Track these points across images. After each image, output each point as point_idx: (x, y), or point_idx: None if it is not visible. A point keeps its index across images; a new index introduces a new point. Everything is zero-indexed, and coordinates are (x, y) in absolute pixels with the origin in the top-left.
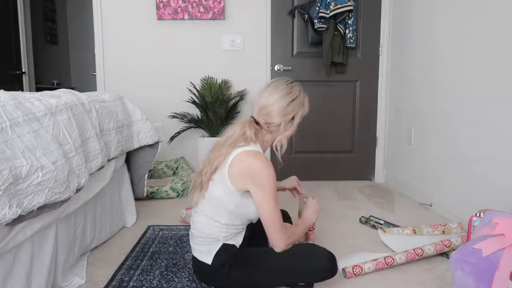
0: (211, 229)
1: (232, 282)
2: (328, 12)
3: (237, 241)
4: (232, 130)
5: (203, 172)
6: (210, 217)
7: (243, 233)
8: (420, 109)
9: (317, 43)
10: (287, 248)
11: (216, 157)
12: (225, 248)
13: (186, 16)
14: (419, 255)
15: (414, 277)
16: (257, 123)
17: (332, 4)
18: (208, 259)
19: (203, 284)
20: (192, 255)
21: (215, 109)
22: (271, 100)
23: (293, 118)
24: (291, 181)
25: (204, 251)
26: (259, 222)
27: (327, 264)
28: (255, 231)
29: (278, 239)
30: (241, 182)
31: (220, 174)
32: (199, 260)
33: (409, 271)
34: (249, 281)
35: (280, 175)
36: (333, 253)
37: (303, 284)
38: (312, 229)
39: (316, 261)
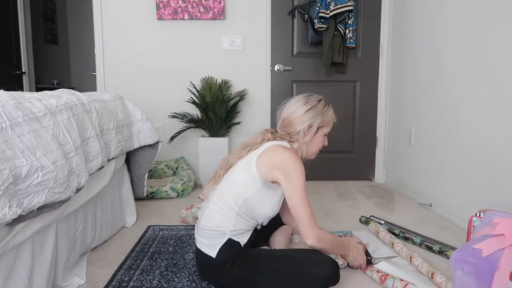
0: (221, 221)
1: (232, 280)
2: (328, 12)
3: (243, 239)
4: (253, 137)
5: (218, 169)
6: (222, 205)
7: (250, 234)
8: (420, 109)
9: (317, 43)
10: (318, 246)
11: (233, 157)
12: (230, 244)
13: (186, 16)
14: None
15: None
16: (275, 133)
17: (332, 4)
18: (212, 252)
19: (203, 284)
20: (196, 247)
21: (215, 109)
22: (290, 111)
23: (311, 126)
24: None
25: (209, 244)
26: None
27: (330, 272)
28: (258, 232)
29: (309, 229)
30: (270, 171)
31: (246, 161)
32: (203, 253)
33: None
34: (249, 281)
35: None
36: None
37: None
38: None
39: (319, 268)
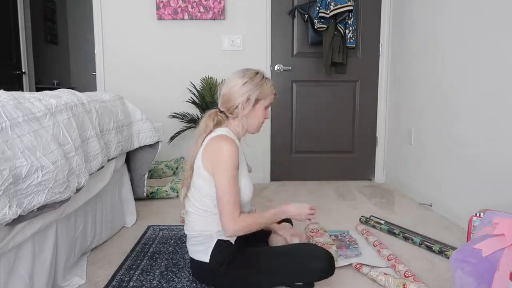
0: (204, 225)
1: (230, 281)
2: (328, 12)
3: (232, 237)
4: (199, 126)
5: (186, 171)
6: (199, 210)
7: None
8: (420, 109)
9: (317, 43)
10: (241, 233)
11: (193, 155)
12: (221, 245)
13: (186, 16)
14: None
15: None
16: (222, 112)
17: (332, 4)
18: (205, 257)
19: (203, 284)
20: (190, 257)
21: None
22: (228, 86)
23: (249, 99)
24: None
25: (200, 251)
26: None
27: (325, 264)
28: (257, 233)
29: (229, 222)
30: (210, 166)
31: (197, 164)
32: (197, 261)
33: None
34: (247, 281)
35: (280, 175)
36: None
37: (301, 284)
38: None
39: (315, 261)
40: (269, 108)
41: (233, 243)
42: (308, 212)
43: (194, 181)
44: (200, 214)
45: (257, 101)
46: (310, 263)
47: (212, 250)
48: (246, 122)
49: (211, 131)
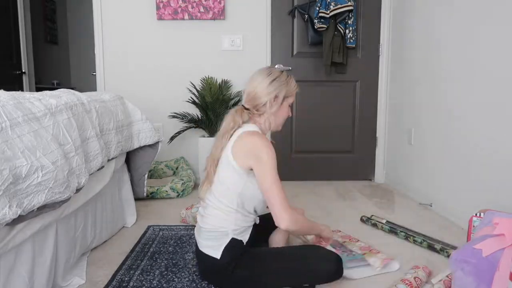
0: (222, 221)
1: (236, 281)
2: (328, 12)
3: (244, 237)
4: (225, 123)
5: (208, 167)
6: (220, 205)
7: (250, 230)
8: (420, 109)
9: (317, 43)
10: (293, 228)
11: (217, 150)
12: (234, 243)
13: (186, 16)
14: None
15: None
16: (247, 109)
17: (332, 4)
18: (217, 253)
19: (203, 284)
20: (199, 250)
21: (215, 109)
22: (254, 84)
23: (277, 97)
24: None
25: (213, 246)
26: (261, 221)
27: (334, 266)
28: (258, 233)
29: (282, 212)
30: (245, 160)
31: (225, 157)
32: (207, 255)
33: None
34: (253, 281)
35: (280, 175)
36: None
37: (307, 285)
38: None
39: (323, 263)
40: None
41: (245, 243)
42: (329, 237)
43: (220, 175)
44: (221, 210)
45: (284, 99)
46: (318, 265)
47: (225, 247)
48: (274, 120)
49: (239, 127)
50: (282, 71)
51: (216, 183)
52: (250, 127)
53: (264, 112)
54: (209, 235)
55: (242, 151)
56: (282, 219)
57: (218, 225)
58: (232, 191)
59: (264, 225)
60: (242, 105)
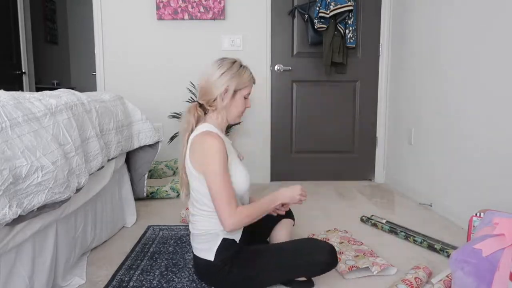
0: (208, 224)
1: (234, 280)
2: (328, 12)
3: (236, 236)
4: (181, 124)
5: (180, 173)
6: (201, 211)
7: (242, 228)
8: (420, 109)
9: (317, 43)
10: (240, 227)
11: (181, 154)
12: (226, 244)
13: (186, 16)
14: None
15: None
16: (201, 105)
17: (332, 4)
18: (210, 256)
19: (203, 284)
20: (194, 255)
21: None
22: (205, 78)
23: (227, 90)
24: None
25: (206, 249)
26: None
27: (329, 258)
28: (255, 229)
29: (225, 216)
30: (199, 166)
31: (187, 165)
32: (201, 258)
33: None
34: (251, 279)
35: (280, 175)
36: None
37: (301, 279)
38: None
39: (318, 255)
40: (249, 97)
41: (238, 242)
42: (300, 193)
43: (190, 182)
44: (203, 215)
45: (236, 91)
46: (313, 257)
47: (217, 249)
48: (226, 113)
49: (193, 129)
50: (235, 61)
51: (191, 189)
52: (202, 127)
53: (216, 107)
54: (201, 239)
55: (194, 158)
56: (225, 225)
57: (206, 228)
58: (204, 195)
59: (264, 225)
60: (197, 101)
